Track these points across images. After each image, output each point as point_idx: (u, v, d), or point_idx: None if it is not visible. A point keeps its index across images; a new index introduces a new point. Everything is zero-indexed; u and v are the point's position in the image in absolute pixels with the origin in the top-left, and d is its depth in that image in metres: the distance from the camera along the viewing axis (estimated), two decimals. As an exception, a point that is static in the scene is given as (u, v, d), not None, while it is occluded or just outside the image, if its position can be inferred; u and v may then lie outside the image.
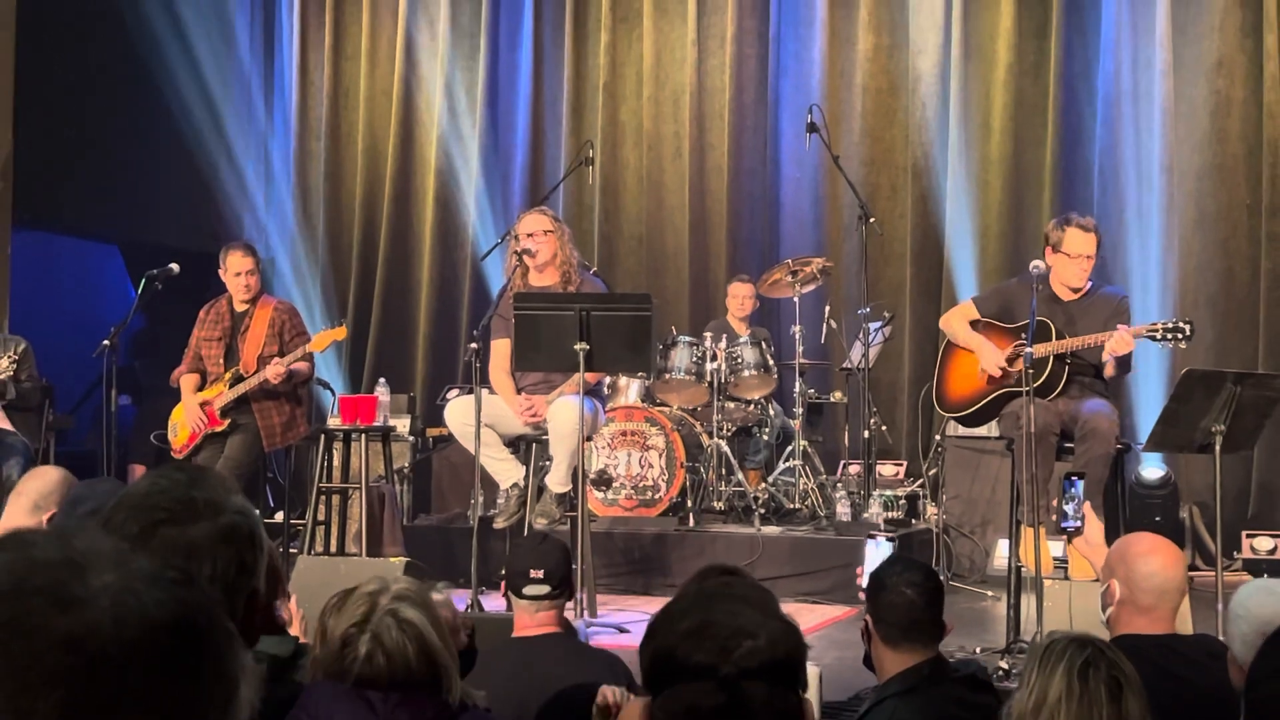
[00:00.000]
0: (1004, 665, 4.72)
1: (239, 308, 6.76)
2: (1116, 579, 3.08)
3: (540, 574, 3.44)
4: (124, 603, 0.75)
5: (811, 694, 4.06)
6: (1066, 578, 5.07)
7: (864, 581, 3.45)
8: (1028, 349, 5.00)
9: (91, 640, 0.73)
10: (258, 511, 7.27)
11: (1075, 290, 5.47)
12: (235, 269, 6.69)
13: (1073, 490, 3.51)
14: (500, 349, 6.04)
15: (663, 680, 1.55)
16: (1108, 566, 3.15)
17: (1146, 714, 2.28)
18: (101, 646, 0.73)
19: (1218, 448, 4.73)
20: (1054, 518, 3.87)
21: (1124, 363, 5.36)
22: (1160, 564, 3.06)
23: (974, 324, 5.64)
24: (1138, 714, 2.26)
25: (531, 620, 3.46)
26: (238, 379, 6.57)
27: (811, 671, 4.11)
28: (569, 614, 3.85)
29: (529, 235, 5.97)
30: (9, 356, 6.86)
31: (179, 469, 1.65)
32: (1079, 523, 3.49)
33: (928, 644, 2.98)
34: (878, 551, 3.47)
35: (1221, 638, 3.36)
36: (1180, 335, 5.17)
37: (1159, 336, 5.21)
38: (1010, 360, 5.42)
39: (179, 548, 1.52)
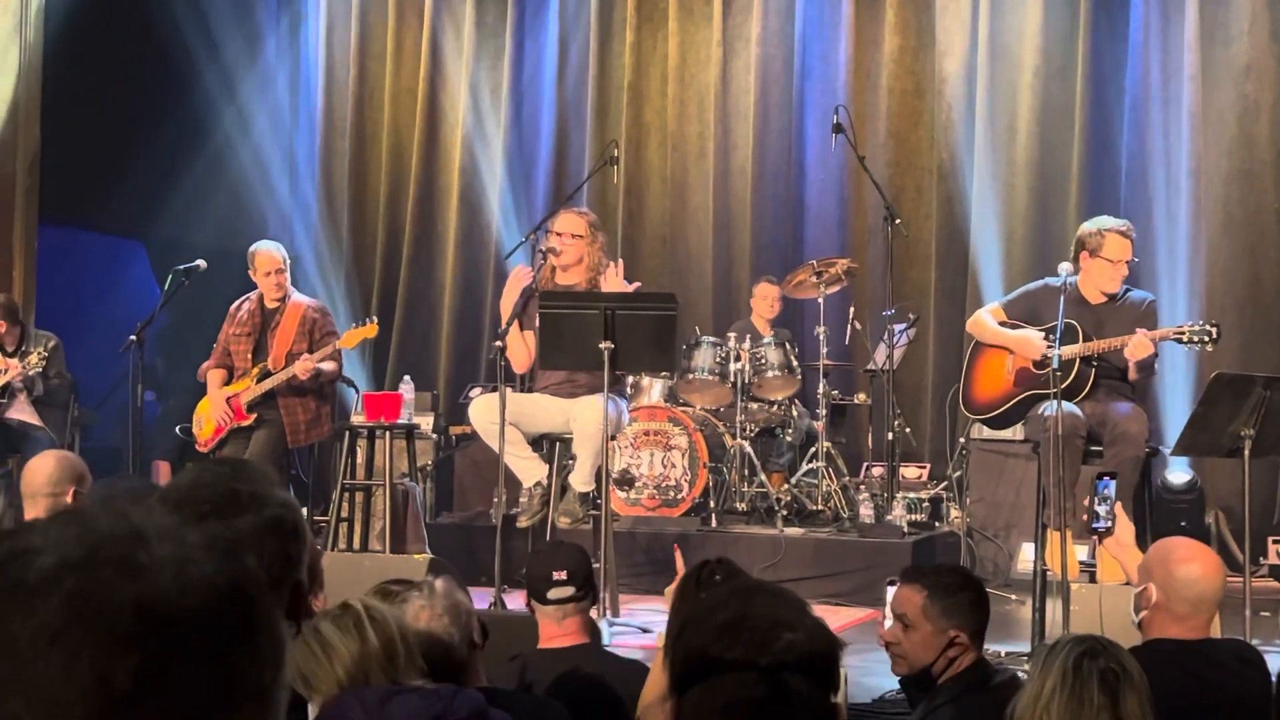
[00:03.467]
0: (1029, 669, 4.70)
1: (270, 305, 6.78)
2: (1154, 583, 3.04)
3: (564, 575, 3.38)
4: (186, 571, 0.80)
5: (839, 695, 4.05)
6: (1092, 581, 5.05)
7: (887, 626, 3.42)
8: (1055, 351, 4.98)
9: (160, 606, 0.78)
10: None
11: (1107, 294, 5.44)
12: (265, 268, 6.72)
13: (1105, 491, 3.48)
14: (524, 339, 6.03)
15: (696, 678, 1.50)
16: (1145, 569, 3.12)
17: (1147, 711, 2.26)
18: (169, 612, 0.78)
19: (1246, 452, 4.70)
20: (1084, 518, 3.86)
21: (1144, 366, 5.32)
22: (1201, 572, 3.02)
23: (1001, 325, 5.62)
24: (1135, 708, 2.24)
25: (559, 629, 3.38)
26: (265, 374, 6.59)
27: (837, 673, 4.10)
28: (592, 613, 3.81)
29: (559, 234, 5.96)
30: (39, 353, 6.90)
31: (221, 463, 1.67)
32: (1110, 523, 3.46)
33: (977, 648, 2.97)
34: None
35: (1253, 641, 3.34)
36: (1207, 338, 5.15)
37: (1185, 339, 5.19)
38: (1038, 363, 5.40)
39: (224, 543, 1.52)
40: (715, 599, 1.58)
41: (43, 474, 3.76)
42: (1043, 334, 5.42)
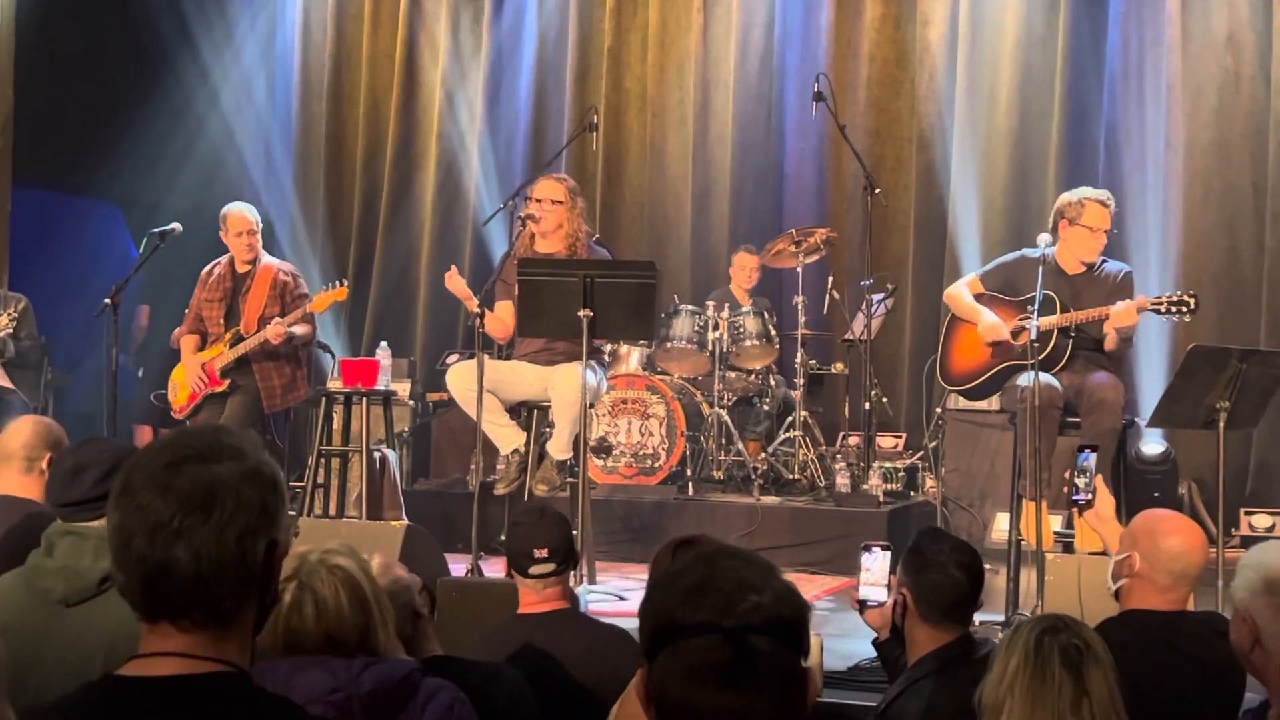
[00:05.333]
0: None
1: (240, 269, 6.73)
2: (1138, 553, 3.06)
3: (544, 552, 3.41)
4: None
5: (814, 662, 4.07)
6: (1068, 551, 5.08)
7: (861, 595, 3.43)
8: (1033, 321, 5.00)
9: None
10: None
11: (1085, 264, 5.46)
12: (236, 229, 6.67)
13: (1085, 463, 3.49)
14: (503, 310, 6.02)
15: (663, 643, 1.50)
16: (1129, 538, 3.13)
17: (1111, 683, 2.27)
18: None
19: (1222, 424, 4.73)
20: (1065, 490, 3.89)
21: (1127, 337, 5.36)
22: (1186, 546, 3.04)
23: (978, 298, 5.64)
24: (1099, 681, 2.25)
25: (538, 597, 3.42)
26: (238, 339, 6.56)
27: (814, 641, 4.11)
28: (570, 580, 3.82)
29: (538, 201, 5.94)
30: (9, 314, 6.83)
31: (208, 425, 1.68)
32: (1090, 496, 3.47)
33: (965, 622, 2.98)
34: (876, 562, 3.44)
35: (1224, 612, 3.36)
36: (1185, 309, 5.17)
37: (1164, 310, 5.21)
38: (1014, 333, 5.42)
39: (203, 483, 1.53)
40: (681, 564, 1.57)
41: (19, 439, 3.73)
42: (1017, 312, 5.43)
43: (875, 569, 3.39)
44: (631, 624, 3.58)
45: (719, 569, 1.52)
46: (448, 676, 2.43)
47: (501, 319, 6.02)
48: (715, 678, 1.45)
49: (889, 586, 3.36)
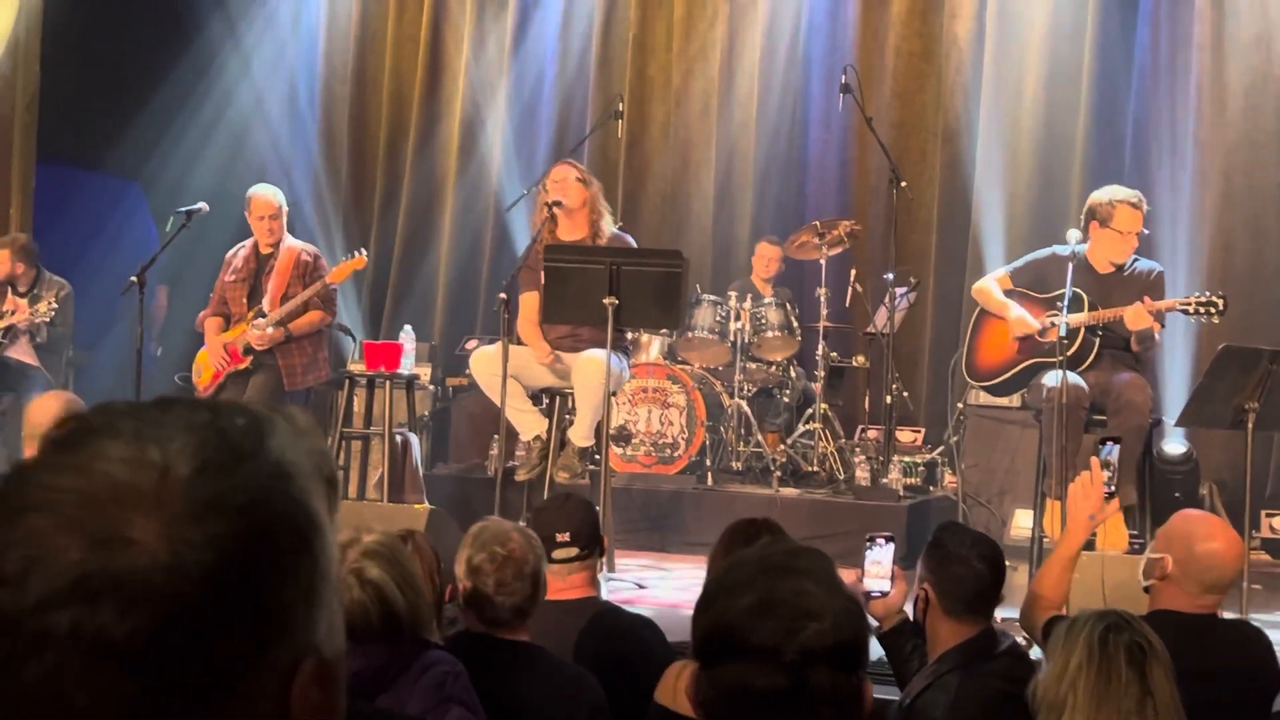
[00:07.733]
0: (1024, 637, 4.72)
1: (264, 250, 6.74)
2: (1172, 556, 3.03)
3: (567, 536, 3.40)
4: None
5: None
6: (1088, 549, 5.06)
7: (866, 586, 3.42)
8: (1063, 319, 4.98)
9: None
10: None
11: (1115, 264, 5.43)
12: (259, 213, 6.68)
13: (1108, 455, 3.45)
14: (529, 302, 6.01)
15: (717, 654, 1.49)
16: (1165, 539, 3.11)
17: (1172, 683, 2.27)
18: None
19: (1250, 425, 4.71)
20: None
21: (1144, 338, 5.32)
22: (1222, 557, 2.98)
23: (1007, 294, 5.62)
24: (1161, 680, 2.25)
25: (564, 583, 3.41)
26: (259, 317, 6.57)
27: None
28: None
29: (557, 184, 5.93)
30: (48, 302, 6.87)
31: (236, 402, 1.65)
32: (1112, 489, 3.44)
33: (987, 616, 2.97)
34: (883, 554, 3.42)
35: (1248, 615, 3.34)
36: (1214, 309, 5.15)
37: (1192, 310, 5.19)
38: (1042, 331, 5.40)
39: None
40: (743, 572, 1.53)
41: (47, 415, 3.75)
42: (1046, 309, 5.41)
43: (884, 561, 3.38)
44: (651, 612, 3.59)
45: (780, 590, 1.49)
46: (536, 667, 2.43)
47: (531, 321, 5.96)
48: (769, 706, 1.44)
49: (892, 577, 3.36)
